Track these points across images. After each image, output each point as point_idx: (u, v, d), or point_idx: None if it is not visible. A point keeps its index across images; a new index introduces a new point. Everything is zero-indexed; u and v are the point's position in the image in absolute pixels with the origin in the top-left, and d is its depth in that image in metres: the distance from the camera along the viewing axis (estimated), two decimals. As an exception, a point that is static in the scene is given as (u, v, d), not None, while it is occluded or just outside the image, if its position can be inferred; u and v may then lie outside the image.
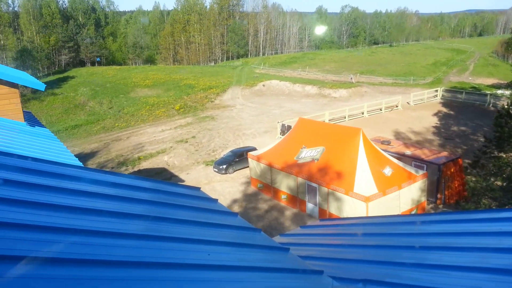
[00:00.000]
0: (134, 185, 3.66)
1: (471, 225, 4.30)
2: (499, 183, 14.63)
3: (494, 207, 13.61)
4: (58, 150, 8.89)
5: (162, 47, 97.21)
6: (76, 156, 9.65)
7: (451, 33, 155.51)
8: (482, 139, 19.53)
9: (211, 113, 38.68)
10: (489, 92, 41.11)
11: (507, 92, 36.21)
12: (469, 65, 70.06)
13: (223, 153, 25.24)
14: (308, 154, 17.30)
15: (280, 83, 51.39)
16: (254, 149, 22.86)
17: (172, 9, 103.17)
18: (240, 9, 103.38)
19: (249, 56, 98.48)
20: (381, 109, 35.76)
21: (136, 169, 24.31)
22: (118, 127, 35.82)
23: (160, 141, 29.93)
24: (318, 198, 16.26)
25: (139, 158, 26.03)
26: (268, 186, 18.98)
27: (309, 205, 16.92)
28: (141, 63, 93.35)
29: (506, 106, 15.15)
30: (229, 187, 20.56)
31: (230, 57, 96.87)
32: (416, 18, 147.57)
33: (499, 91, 41.31)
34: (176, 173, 22.98)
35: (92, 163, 25.75)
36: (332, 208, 15.60)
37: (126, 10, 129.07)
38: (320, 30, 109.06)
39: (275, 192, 18.55)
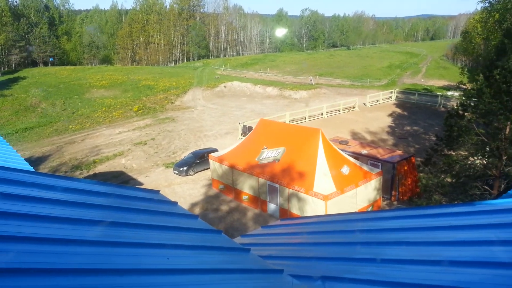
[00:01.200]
0: (89, 189, 3.54)
1: (423, 220, 4.49)
2: (449, 179, 15.45)
3: (444, 203, 14.38)
4: (7, 154, 8.41)
5: (120, 47, 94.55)
6: (27, 160, 9.18)
7: (405, 37, 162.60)
8: (433, 138, 20.54)
9: (171, 115, 38.06)
10: (440, 93, 43.38)
11: (456, 94, 38.39)
12: (422, 68, 73.56)
13: (184, 155, 24.92)
14: (269, 154, 17.45)
15: (241, 84, 51.49)
16: (215, 150, 22.74)
17: (130, 9, 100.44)
18: (201, 10, 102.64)
19: (210, 57, 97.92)
20: (339, 110, 36.75)
21: (91, 172, 23.45)
22: (72, 129, 34.39)
23: (117, 144, 29.06)
24: (279, 198, 16.45)
25: (94, 162, 25.13)
26: (229, 187, 18.95)
27: (271, 205, 17.07)
28: (97, 63, 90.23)
29: (455, 107, 16.03)
30: (190, 189, 20.33)
31: (190, 58, 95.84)
32: (373, 22, 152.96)
33: (449, 93, 43.71)
34: (135, 176, 22.41)
35: (44, 167, 24.55)
36: (293, 208, 15.83)
37: (82, 9, 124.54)
38: (280, 32, 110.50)
39: (237, 193, 18.56)
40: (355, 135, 28.83)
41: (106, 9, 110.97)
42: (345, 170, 16.09)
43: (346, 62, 78.85)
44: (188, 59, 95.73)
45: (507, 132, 13.93)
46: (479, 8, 29.92)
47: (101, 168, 24.11)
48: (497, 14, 24.13)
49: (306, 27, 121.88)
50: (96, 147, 28.46)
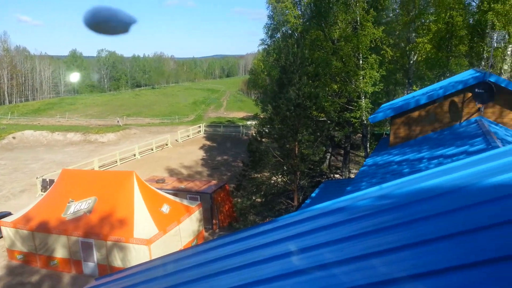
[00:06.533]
0: None
1: (240, 244, 4.68)
2: (259, 199, 17.05)
3: (258, 221, 15.72)
4: None
5: None
6: None
7: (205, 75, 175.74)
8: (241, 165, 22.43)
9: None
10: (241, 124, 48.17)
11: (254, 123, 43.34)
12: (223, 102, 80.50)
13: (-36, 227, 19.86)
14: (78, 207, 15.61)
15: (35, 133, 45.21)
16: (9, 214, 18.94)
17: None
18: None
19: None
20: (152, 149, 36.34)
21: None
22: None
23: None
24: (96, 254, 14.78)
25: None
26: (32, 255, 15.97)
27: (88, 264, 15.17)
28: None
29: (254, 135, 17.97)
30: (-23, 268, 16.24)
31: (-38, 108, 78.98)
32: (173, 62, 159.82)
33: (249, 122, 49.02)
34: None
35: None
36: (114, 261, 14.47)
37: None
38: (74, 77, 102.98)
39: (43, 259, 15.79)
40: (171, 172, 28.88)
41: None
42: (165, 208, 15.79)
43: (153, 101, 79.34)
44: (-41, 109, 78.61)
45: (296, 152, 16.36)
46: (260, 50, 34.84)
47: None
48: (275, 54, 28.60)
49: (105, 67, 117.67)
50: None
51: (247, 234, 5.18)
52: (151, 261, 8.66)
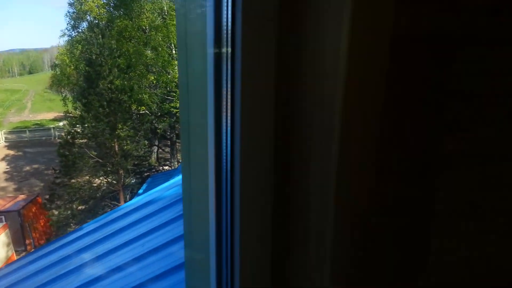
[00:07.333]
0: None
1: (50, 258, 4.57)
2: (80, 207, 15.53)
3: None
4: None
5: None
6: None
7: (0, 74, 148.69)
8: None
9: None
10: (52, 126, 42.82)
11: (66, 123, 39.21)
12: (27, 103, 69.86)
13: None
14: None
15: None
16: None
17: None
18: None
19: None
20: None
21: None
22: None
23: None
24: None
25: None
26: None
27: None
28: None
29: (64, 136, 16.12)
30: None
31: None
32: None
33: (61, 123, 43.89)
34: None
35: None
36: None
37: None
38: None
39: None
40: (-38, 194, 23.64)
41: None
42: (-46, 240, 12.82)
43: None
44: None
45: (117, 149, 15.45)
46: (62, 42, 31.39)
47: None
48: (80, 46, 26.08)
49: None
50: None
51: (54, 246, 4.85)
52: None
